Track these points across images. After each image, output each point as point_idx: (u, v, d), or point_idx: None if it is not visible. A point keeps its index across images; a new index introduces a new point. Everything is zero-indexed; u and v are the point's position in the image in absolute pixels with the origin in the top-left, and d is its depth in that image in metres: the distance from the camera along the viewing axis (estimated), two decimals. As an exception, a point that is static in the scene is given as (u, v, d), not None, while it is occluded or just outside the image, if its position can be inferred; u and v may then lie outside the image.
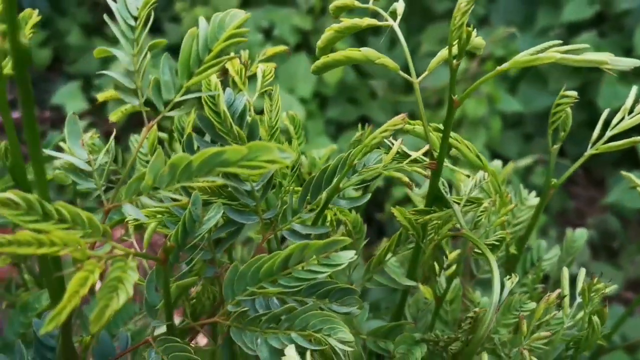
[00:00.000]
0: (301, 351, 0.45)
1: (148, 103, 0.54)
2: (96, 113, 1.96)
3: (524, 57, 0.46)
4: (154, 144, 0.63)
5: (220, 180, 0.40)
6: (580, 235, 0.85)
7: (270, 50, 0.65)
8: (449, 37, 0.48)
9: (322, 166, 0.59)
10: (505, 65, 0.48)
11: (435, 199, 0.57)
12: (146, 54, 0.46)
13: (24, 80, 0.36)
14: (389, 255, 0.62)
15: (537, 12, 2.15)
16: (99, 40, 2.08)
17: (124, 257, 0.39)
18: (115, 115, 0.65)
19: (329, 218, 0.59)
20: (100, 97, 0.66)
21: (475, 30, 0.50)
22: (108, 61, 2.05)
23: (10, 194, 0.37)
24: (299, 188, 0.55)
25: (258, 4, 2.22)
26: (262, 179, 0.52)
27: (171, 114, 0.45)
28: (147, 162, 0.65)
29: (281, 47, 0.67)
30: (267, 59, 0.66)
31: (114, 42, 2.15)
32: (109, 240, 0.39)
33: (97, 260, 0.37)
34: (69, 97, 1.98)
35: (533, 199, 0.79)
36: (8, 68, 0.48)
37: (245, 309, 0.48)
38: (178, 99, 0.44)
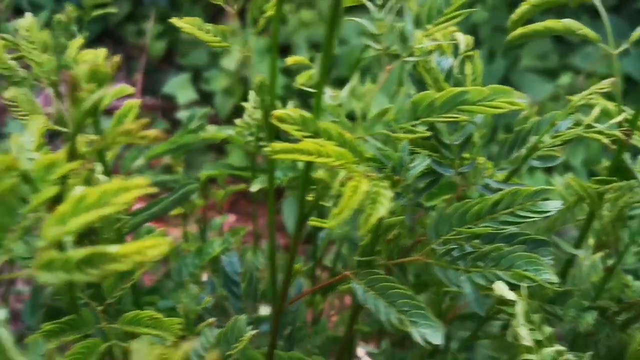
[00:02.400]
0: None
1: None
2: (204, 103, 2.06)
3: None
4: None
5: (463, 116, 0.44)
6: None
7: (451, 28, 0.70)
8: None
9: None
10: None
11: (617, 170, 0.59)
12: (392, 6, 0.51)
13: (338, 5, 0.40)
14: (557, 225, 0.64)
15: (643, 31, 2.12)
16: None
17: (378, 178, 0.43)
18: (302, 78, 0.71)
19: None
20: (289, 60, 0.72)
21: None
22: (217, 56, 2.16)
23: (289, 111, 0.42)
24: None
25: (362, 10, 2.28)
26: (461, 134, 0.56)
27: (410, 59, 0.49)
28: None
29: (453, 28, 0.71)
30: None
31: (223, 36, 2.27)
32: (362, 161, 0.44)
33: (360, 176, 0.42)
34: (179, 88, 2.10)
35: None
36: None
37: (453, 247, 0.51)
38: (418, 45, 0.49)
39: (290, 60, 0.75)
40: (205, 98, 2.10)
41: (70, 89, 0.34)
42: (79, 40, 0.70)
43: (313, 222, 0.52)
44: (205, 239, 0.86)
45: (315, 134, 0.42)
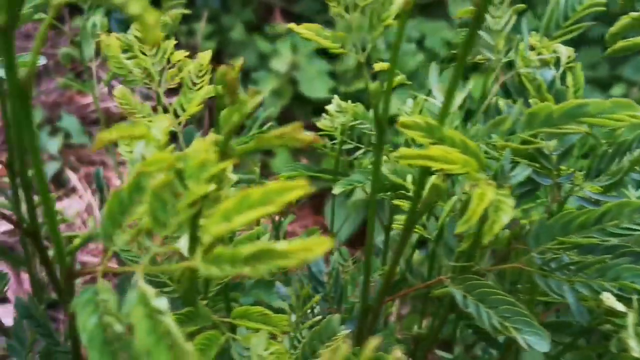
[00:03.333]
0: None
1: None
2: (252, 104, 2.09)
3: None
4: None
5: (584, 128, 0.45)
6: None
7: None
8: None
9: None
10: None
11: None
12: (509, 18, 0.52)
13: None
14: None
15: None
16: (259, 38, 2.22)
17: (498, 187, 0.44)
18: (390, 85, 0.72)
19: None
20: (377, 66, 0.73)
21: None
22: (266, 57, 2.19)
23: (415, 117, 0.43)
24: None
25: (410, 15, 2.29)
26: (562, 145, 0.56)
27: (522, 70, 0.50)
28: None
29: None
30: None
31: (272, 40, 2.29)
32: (482, 169, 0.45)
33: (485, 183, 0.43)
34: (228, 88, 2.12)
35: None
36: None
37: (554, 256, 0.52)
38: (532, 57, 0.50)
39: (377, 66, 0.76)
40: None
41: (229, 92, 0.35)
42: (172, 41, 0.72)
43: (418, 230, 0.53)
44: (278, 237, 0.88)
45: (440, 141, 0.43)
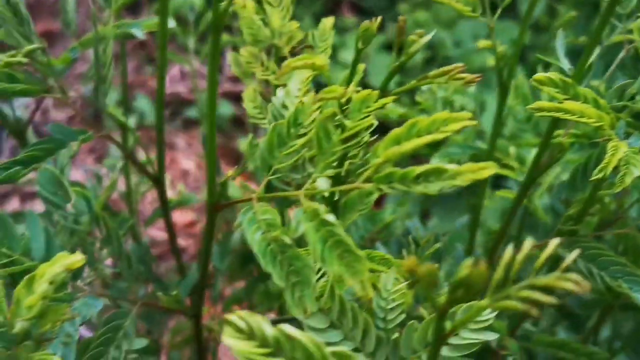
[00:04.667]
0: None
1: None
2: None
3: None
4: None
5: None
6: None
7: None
8: None
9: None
10: None
11: None
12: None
13: None
14: None
15: None
16: (327, 30, 2.27)
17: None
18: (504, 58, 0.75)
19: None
20: (481, 44, 0.75)
21: None
22: (334, 49, 2.22)
23: (550, 74, 0.46)
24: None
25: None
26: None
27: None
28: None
29: None
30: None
31: (340, 31, 2.33)
32: (612, 125, 0.47)
33: (617, 138, 0.45)
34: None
35: None
36: None
37: (667, 223, 0.54)
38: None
39: (481, 44, 0.78)
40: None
41: (397, 35, 0.39)
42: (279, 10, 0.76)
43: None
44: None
45: (574, 97, 0.46)
